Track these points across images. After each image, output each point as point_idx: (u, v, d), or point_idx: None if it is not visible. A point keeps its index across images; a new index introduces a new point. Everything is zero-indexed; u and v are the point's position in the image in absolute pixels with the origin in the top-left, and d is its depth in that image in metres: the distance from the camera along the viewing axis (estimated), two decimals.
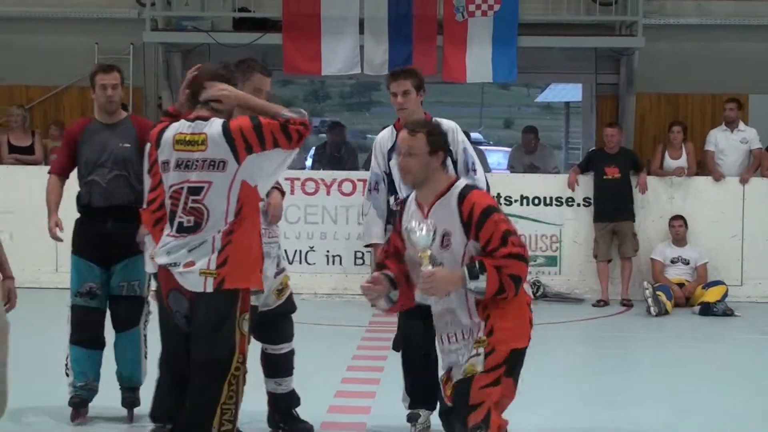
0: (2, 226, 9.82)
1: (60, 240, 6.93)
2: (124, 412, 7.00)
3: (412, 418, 6.56)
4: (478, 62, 12.74)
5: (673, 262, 11.83)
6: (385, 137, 6.70)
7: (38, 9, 14.16)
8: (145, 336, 6.99)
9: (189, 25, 13.98)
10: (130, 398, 7.05)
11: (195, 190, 5.06)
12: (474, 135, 21.73)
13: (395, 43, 13.11)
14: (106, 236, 6.81)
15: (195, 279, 5.00)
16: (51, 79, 13.92)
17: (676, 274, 11.67)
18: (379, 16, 13.15)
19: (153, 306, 6.35)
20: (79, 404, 6.91)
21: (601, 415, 7.34)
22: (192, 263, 5.02)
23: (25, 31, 14.36)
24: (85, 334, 6.88)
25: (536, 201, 12.14)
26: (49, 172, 7.13)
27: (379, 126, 10.39)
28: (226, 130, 4.94)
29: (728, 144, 12.49)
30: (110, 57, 12.72)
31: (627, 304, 11.66)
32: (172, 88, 14.13)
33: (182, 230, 5.11)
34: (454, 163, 6.52)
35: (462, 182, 5.02)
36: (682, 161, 12.34)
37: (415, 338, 6.44)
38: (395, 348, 6.89)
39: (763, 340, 10.30)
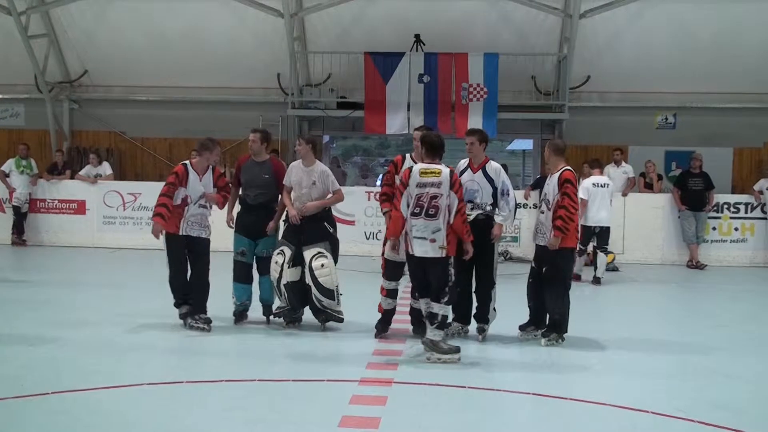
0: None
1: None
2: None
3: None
4: (474, 126, 13.71)
5: None
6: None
7: (231, 96, 16.88)
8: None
9: (312, 105, 16.24)
10: (267, 311, 8.00)
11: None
12: None
13: (427, 115, 15.26)
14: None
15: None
16: (235, 135, 16.18)
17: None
18: (419, 101, 15.43)
19: None
20: (239, 315, 7.99)
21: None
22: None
23: (224, 109, 16.98)
24: (240, 276, 7.86)
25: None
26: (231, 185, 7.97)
27: None
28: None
29: (615, 174, 14.47)
30: (268, 123, 15.32)
31: None
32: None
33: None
34: (496, 189, 7.48)
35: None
36: None
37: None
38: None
39: (631, 279, 12.41)
